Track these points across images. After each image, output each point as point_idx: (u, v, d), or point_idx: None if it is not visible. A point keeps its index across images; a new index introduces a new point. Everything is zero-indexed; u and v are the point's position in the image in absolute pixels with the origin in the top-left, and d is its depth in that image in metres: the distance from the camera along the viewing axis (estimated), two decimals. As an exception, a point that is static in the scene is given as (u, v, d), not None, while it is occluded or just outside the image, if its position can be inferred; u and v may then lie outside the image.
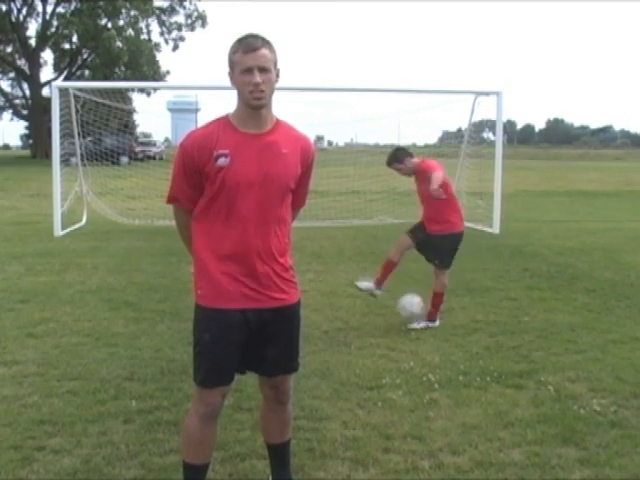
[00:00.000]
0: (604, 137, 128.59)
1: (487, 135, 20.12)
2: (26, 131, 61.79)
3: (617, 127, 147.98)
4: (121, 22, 46.04)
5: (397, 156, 6.02)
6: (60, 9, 45.89)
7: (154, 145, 37.90)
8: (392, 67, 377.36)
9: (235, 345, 2.70)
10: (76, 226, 12.92)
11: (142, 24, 47.52)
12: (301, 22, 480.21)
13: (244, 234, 2.64)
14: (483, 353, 5.17)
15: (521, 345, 5.38)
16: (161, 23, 48.17)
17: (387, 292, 6.43)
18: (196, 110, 57.81)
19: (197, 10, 47.84)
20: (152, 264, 8.92)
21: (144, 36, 47.74)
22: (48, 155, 18.12)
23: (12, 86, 51.77)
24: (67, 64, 48.24)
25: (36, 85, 46.43)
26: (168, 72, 49.68)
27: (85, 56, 48.76)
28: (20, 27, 46.01)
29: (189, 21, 48.08)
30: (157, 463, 3.32)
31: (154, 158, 30.49)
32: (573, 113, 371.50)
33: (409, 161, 5.98)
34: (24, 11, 46.19)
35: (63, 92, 12.61)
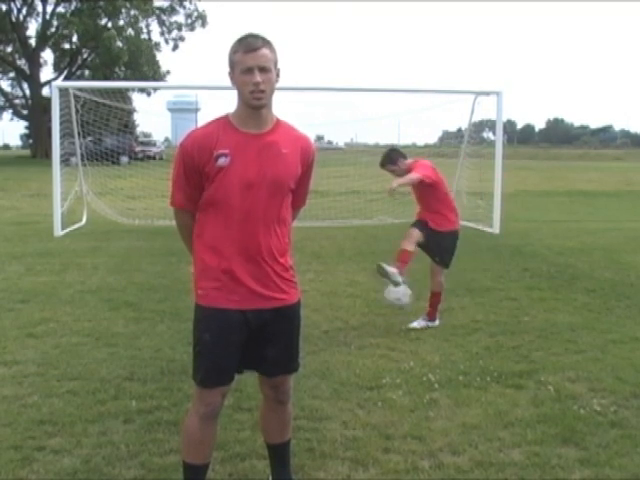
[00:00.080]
0: (604, 137, 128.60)
1: (487, 135, 20.12)
2: (26, 131, 61.82)
3: (617, 127, 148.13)
4: (121, 22, 46.05)
5: (391, 157, 6.01)
6: (60, 9, 45.95)
7: (154, 145, 37.87)
8: (392, 67, 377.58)
9: (235, 345, 2.70)
10: (76, 226, 12.93)
11: (142, 24, 47.58)
12: (301, 22, 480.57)
13: (244, 234, 2.64)
14: (483, 353, 5.17)
15: (521, 345, 5.38)
16: (161, 23, 48.19)
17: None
18: (196, 110, 57.84)
19: (197, 10, 47.89)
20: (152, 264, 8.92)
21: (144, 36, 47.77)
22: (48, 155, 18.12)
23: (12, 86, 51.83)
24: (67, 64, 48.24)
25: (36, 85, 46.43)
26: (168, 72, 49.71)
27: (85, 56, 48.76)
28: (20, 27, 46.01)
29: (189, 21, 48.12)
30: (157, 463, 3.32)
31: (154, 158, 30.43)
32: (573, 113, 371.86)
33: (402, 162, 5.97)
34: (24, 11, 46.20)
35: (63, 92, 12.61)
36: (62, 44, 47.68)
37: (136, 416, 3.87)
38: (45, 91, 44.21)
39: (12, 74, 50.15)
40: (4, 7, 43.83)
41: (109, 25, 45.22)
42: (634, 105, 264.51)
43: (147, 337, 5.49)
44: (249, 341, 2.72)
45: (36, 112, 45.23)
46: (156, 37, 72.82)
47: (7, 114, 52.74)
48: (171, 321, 5.96)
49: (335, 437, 3.62)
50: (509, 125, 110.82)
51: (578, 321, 6.14)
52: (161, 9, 47.66)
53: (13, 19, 45.53)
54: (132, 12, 45.66)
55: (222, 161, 2.60)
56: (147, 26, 48.09)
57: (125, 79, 42.79)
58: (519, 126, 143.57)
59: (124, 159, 20.99)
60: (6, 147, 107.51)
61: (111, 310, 6.39)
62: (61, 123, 12.44)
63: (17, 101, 52.31)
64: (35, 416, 3.86)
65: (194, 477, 2.84)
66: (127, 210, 14.35)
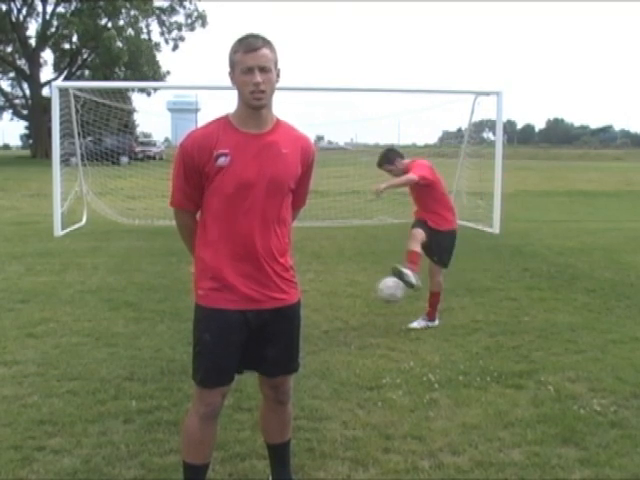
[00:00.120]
0: (604, 137, 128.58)
1: (487, 135, 20.13)
2: (26, 131, 61.81)
3: (617, 127, 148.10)
4: (121, 22, 46.07)
5: (388, 157, 6.01)
6: (60, 9, 45.99)
7: (154, 145, 37.88)
8: (392, 67, 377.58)
9: (235, 345, 2.70)
10: (76, 226, 12.92)
11: (142, 24, 47.62)
12: (302, 22, 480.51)
13: (244, 234, 2.64)
14: (483, 353, 5.17)
15: (521, 345, 5.38)
16: (161, 23, 48.22)
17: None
18: (196, 110, 57.82)
19: (197, 10, 47.93)
20: (152, 264, 8.92)
21: (144, 36, 47.78)
22: (48, 155, 18.12)
23: (12, 86, 51.87)
24: (67, 64, 48.25)
25: (36, 85, 46.44)
26: (168, 72, 49.73)
27: (85, 56, 48.78)
28: (20, 27, 46.03)
29: (189, 21, 48.15)
30: (157, 463, 3.32)
31: (154, 158, 30.45)
32: (573, 113, 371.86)
33: (400, 162, 5.97)
34: (24, 11, 46.23)
35: (63, 92, 12.61)
36: (62, 44, 47.70)
37: (136, 416, 3.87)
38: (45, 91, 44.25)
39: (12, 74, 50.18)
40: (4, 7, 43.88)
41: (109, 25, 45.24)
42: (634, 105, 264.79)
43: (147, 337, 5.49)
44: (249, 341, 2.72)
45: (36, 112, 45.25)
46: (156, 37, 72.91)
47: (7, 114, 52.86)
48: (171, 321, 5.96)
49: (335, 437, 3.62)
50: (509, 125, 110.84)
51: (578, 321, 6.14)
52: (161, 9, 47.69)
53: (13, 19, 45.55)
54: (132, 12, 45.69)
55: (222, 161, 2.60)
56: (147, 26, 48.19)
57: (125, 79, 42.84)
58: (519, 126, 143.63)
59: (124, 159, 21.00)
60: (6, 147, 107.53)
61: (111, 310, 6.39)
62: (61, 123, 12.44)
63: (17, 101, 52.35)
64: (35, 416, 3.86)
65: (194, 477, 2.84)
66: (127, 210, 14.35)
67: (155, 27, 52.47)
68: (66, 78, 44.21)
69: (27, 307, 6.50)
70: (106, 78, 41.53)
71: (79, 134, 13.54)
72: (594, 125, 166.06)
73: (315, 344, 5.29)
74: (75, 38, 46.40)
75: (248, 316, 2.68)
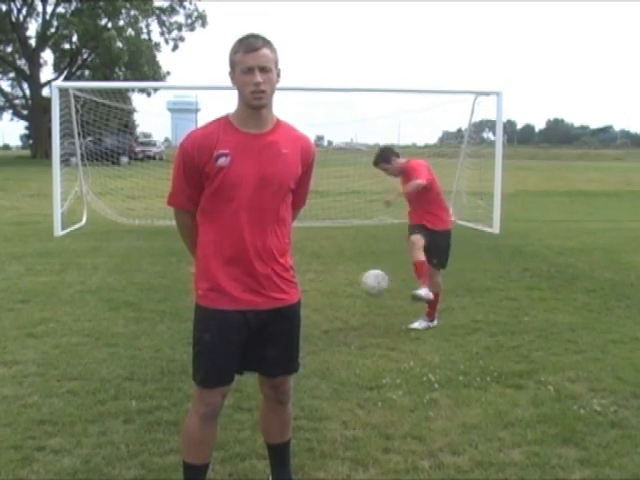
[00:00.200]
0: (604, 137, 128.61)
1: (487, 135, 20.10)
2: (26, 131, 61.81)
3: (617, 127, 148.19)
4: (121, 22, 46.08)
5: (384, 156, 6.02)
6: (60, 9, 46.00)
7: (154, 145, 37.91)
8: (392, 67, 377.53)
9: (235, 345, 2.70)
10: (76, 226, 12.93)
11: (142, 24, 47.62)
12: (302, 22, 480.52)
13: (244, 234, 2.64)
14: (483, 353, 5.17)
15: (521, 345, 5.38)
16: (161, 23, 48.22)
17: (388, 292, 6.41)
18: (196, 110, 57.91)
19: (197, 10, 47.94)
20: (152, 264, 8.92)
21: (144, 36, 47.79)
22: (48, 155, 18.12)
23: (12, 86, 51.87)
24: (67, 64, 48.26)
25: (36, 85, 46.44)
26: (168, 72, 49.73)
27: (85, 56, 48.79)
28: (20, 27, 46.03)
29: (189, 21, 48.15)
30: (157, 463, 3.32)
31: (154, 158, 30.46)
32: (573, 113, 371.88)
33: (396, 161, 5.99)
34: (24, 11, 46.23)
35: (63, 92, 12.61)
36: (62, 44, 47.70)
37: (136, 416, 3.87)
38: (45, 91, 44.25)
39: (12, 74, 50.17)
40: (4, 7, 43.89)
41: (109, 25, 45.24)
42: (634, 105, 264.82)
43: (147, 337, 5.49)
44: (249, 341, 2.72)
45: (36, 112, 45.26)
46: (156, 37, 72.69)
47: (7, 114, 52.87)
48: (171, 321, 5.96)
49: (335, 437, 3.62)
50: (509, 125, 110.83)
51: (578, 321, 6.14)
52: (161, 9, 47.70)
53: (13, 19, 45.56)
54: (132, 12, 45.70)
55: (222, 161, 2.60)
56: (147, 26, 48.21)
57: (125, 79, 42.88)
58: (519, 126, 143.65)
59: (124, 159, 21.00)
60: (6, 147, 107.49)
61: (111, 310, 6.39)
62: (61, 123, 12.44)
63: (17, 101, 52.34)
64: (35, 416, 3.86)
65: (194, 477, 2.84)
66: (127, 210, 14.36)
67: (155, 27, 52.55)
68: (66, 78, 44.22)
69: (27, 307, 6.51)
70: (106, 78, 41.55)
71: (79, 134, 13.55)
72: (594, 125, 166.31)
73: (315, 344, 5.29)
74: (75, 38, 46.44)
75: (248, 316, 2.68)
